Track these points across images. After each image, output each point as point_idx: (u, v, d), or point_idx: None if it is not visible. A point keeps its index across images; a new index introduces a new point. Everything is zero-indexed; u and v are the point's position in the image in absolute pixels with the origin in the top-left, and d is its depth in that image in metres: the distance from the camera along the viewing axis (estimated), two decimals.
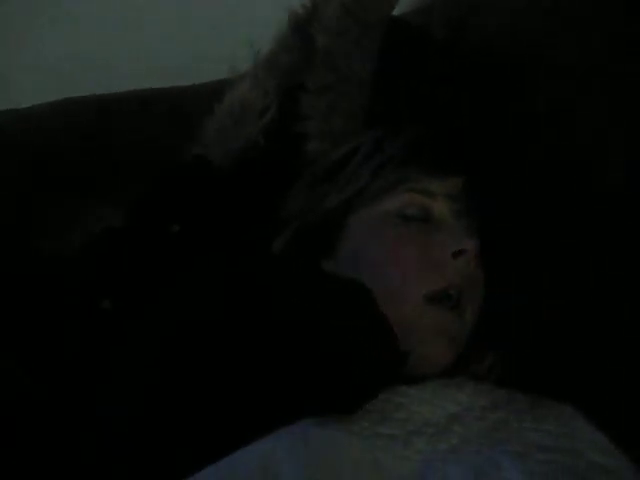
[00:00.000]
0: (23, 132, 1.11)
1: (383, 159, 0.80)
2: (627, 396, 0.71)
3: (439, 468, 0.57)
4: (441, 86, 0.86)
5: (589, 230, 0.75)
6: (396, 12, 0.95)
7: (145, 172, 1.02)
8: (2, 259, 0.86)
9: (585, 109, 0.75)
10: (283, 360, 0.63)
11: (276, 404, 0.61)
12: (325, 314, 0.66)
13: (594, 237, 0.75)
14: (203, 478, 0.56)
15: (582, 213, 0.77)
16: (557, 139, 0.77)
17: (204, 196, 0.89)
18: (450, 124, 0.84)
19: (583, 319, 0.74)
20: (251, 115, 0.93)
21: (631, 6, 0.70)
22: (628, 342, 0.72)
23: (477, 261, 0.76)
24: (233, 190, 0.90)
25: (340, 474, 0.56)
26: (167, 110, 1.10)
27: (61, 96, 1.14)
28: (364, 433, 0.60)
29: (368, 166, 0.80)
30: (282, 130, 0.91)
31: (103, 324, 0.75)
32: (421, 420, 0.63)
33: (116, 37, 1.36)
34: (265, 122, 0.93)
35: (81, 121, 1.09)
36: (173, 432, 0.60)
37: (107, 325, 0.75)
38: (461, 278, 0.75)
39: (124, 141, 1.06)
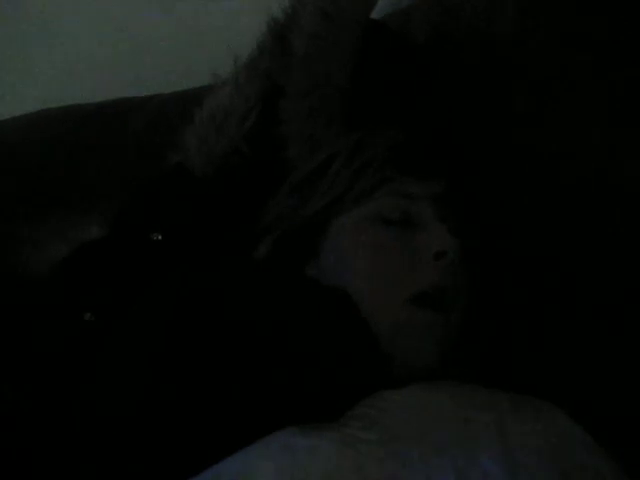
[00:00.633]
0: (2, 144, 1.11)
1: (363, 163, 0.80)
2: (614, 391, 0.71)
3: (422, 471, 0.57)
4: (420, 89, 0.86)
5: (569, 223, 0.76)
6: (374, 15, 0.95)
7: (128, 182, 1.02)
8: None
9: (563, 106, 0.75)
10: (263, 367, 0.62)
11: (257, 413, 0.61)
12: (306, 321, 0.66)
13: (574, 229, 0.75)
14: None
15: (563, 208, 0.77)
16: (536, 137, 0.77)
17: (186, 204, 0.89)
18: (430, 126, 0.84)
19: (567, 314, 0.74)
20: (232, 121, 0.93)
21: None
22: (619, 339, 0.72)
23: (460, 261, 0.76)
24: (215, 197, 0.90)
25: None
26: (149, 118, 1.10)
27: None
28: (347, 440, 0.60)
29: (348, 170, 0.80)
30: (263, 135, 0.91)
31: (87, 335, 0.75)
32: (405, 425, 0.62)
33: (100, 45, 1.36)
34: (247, 127, 0.92)
35: (61, 132, 1.08)
36: (155, 443, 0.60)
37: (91, 336, 0.75)
38: (444, 279, 0.74)
39: (105, 152, 1.06)
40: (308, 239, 0.79)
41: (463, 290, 0.77)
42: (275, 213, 0.83)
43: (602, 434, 0.63)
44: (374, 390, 0.66)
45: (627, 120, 0.72)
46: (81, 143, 1.08)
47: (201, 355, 0.62)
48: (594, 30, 0.73)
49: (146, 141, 1.06)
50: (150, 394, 0.61)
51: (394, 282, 0.73)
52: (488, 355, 0.78)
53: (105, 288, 0.79)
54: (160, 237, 0.86)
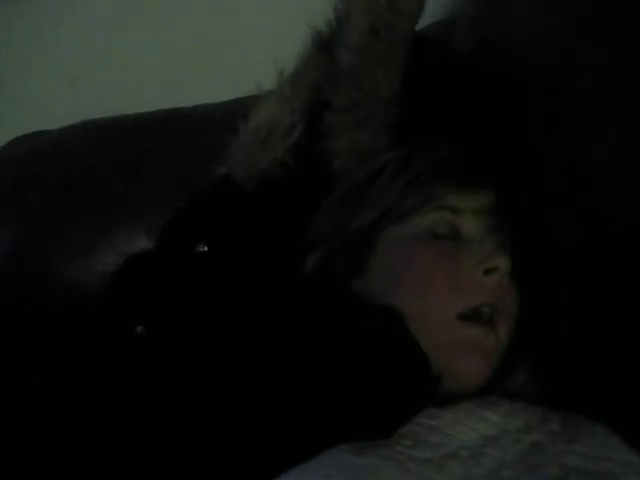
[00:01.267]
0: (55, 152, 1.12)
1: (411, 177, 0.80)
2: None
3: None
4: (467, 102, 0.86)
5: (624, 243, 0.74)
6: (420, 24, 0.95)
7: (175, 191, 1.04)
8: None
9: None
10: (317, 386, 0.63)
11: (312, 432, 0.61)
12: (357, 340, 0.66)
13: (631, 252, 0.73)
14: None
15: (617, 223, 0.75)
16: (583, 153, 0.76)
17: (232, 216, 0.90)
18: (478, 139, 0.83)
19: (618, 335, 0.73)
20: (278, 134, 0.93)
21: None
22: None
23: (510, 277, 0.75)
24: (260, 210, 0.90)
25: None
26: (194, 128, 1.11)
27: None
28: (398, 457, 0.60)
29: (396, 184, 0.80)
30: (309, 149, 0.91)
31: (139, 349, 0.75)
32: (455, 443, 0.62)
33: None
34: (292, 141, 0.93)
35: (108, 142, 1.10)
36: (209, 463, 0.61)
37: (143, 349, 0.75)
38: (494, 295, 0.74)
39: (154, 161, 1.08)
40: (356, 253, 0.79)
41: (512, 305, 0.76)
42: (322, 227, 0.83)
43: None
44: (424, 408, 0.66)
45: None
46: (127, 153, 1.09)
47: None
48: None
49: (191, 152, 1.07)
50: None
51: (444, 299, 0.73)
52: (536, 371, 0.77)
53: (155, 300, 0.80)
54: (206, 248, 0.87)
